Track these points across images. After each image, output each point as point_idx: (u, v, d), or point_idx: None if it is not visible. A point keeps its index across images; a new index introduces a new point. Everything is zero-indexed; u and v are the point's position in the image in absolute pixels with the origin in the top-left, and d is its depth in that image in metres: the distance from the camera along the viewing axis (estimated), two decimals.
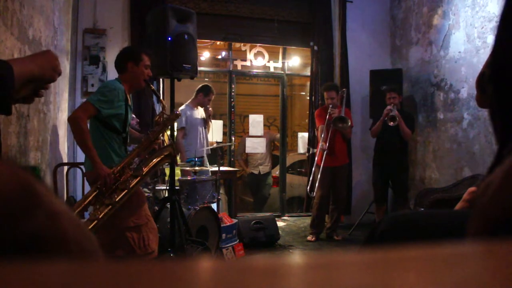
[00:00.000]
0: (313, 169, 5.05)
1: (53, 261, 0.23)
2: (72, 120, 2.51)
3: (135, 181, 2.55)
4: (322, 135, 4.85)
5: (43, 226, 0.32)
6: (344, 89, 5.29)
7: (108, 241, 2.61)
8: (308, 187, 5.18)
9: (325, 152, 4.78)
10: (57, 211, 0.34)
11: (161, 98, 2.99)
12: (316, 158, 4.94)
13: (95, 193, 2.44)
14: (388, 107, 4.82)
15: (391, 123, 4.74)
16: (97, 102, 2.54)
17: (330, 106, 4.82)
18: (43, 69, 1.14)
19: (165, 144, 2.96)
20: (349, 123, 4.73)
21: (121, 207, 2.48)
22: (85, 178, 3.07)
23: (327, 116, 4.79)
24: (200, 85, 4.97)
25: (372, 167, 5.17)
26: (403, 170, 4.99)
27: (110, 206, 2.42)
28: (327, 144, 4.78)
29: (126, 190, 2.50)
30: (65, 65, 4.61)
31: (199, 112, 4.86)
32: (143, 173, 2.59)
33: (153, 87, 2.83)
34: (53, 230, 0.33)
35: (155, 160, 2.67)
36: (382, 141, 4.97)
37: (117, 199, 2.45)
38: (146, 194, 3.86)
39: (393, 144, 4.86)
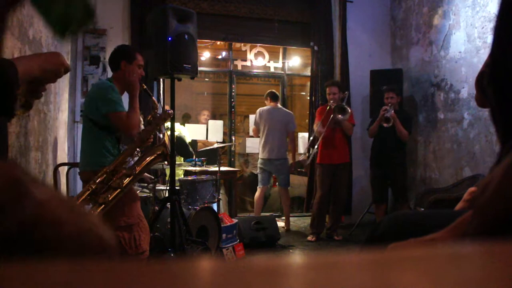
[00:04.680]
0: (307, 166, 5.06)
1: (52, 261, 0.23)
2: (132, 135, 2.61)
3: (128, 180, 2.55)
4: (319, 126, 4.87)
5: (32, 215, 0.32)
6: (346, 92, 5.29)
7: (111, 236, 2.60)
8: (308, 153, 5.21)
9: (320, 137, 4.79)
10: (45, 199, 0.34)
11: (153, 97, 2.98)
12: (316, 158, 4.95)
13: (88, 192, 2.44)
14: (384, 107, 4.82)
15: (385, 125, 4.74)
16: (118, 105, 2.57)
17: (331, 101, 4.83)
18: (45, 72, 1.14)
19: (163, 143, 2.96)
20: (349, 112, 4.72)
21: (113, 206, 2.47)
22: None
23: (326, 111, 4.80)
24: (273, 92, 5.56)
25: (370, 166, 5.18)
26: (401, 169, 4.98)
27: (104, 205, 2.42)
28: (323, 145, 4.82)
29: (119, 189, 2.49)
30: None
31: None
32: (136, 172, 2.59)
33: (145, 86, 2.82)
34: (43, 218, 0.33)
35: (148, 159, 2.67)
36: (379, 141, 4.97)
37: (110, 198, 2.45)
38: (146, 194, 3.87)
39: (390, 144, 4.86)
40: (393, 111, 4.78)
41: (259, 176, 5.42)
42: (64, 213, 0.35)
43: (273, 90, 5.66)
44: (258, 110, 5.41)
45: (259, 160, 5.41)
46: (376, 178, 5.04)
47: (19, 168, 0.35)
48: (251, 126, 6.46)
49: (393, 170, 4.92)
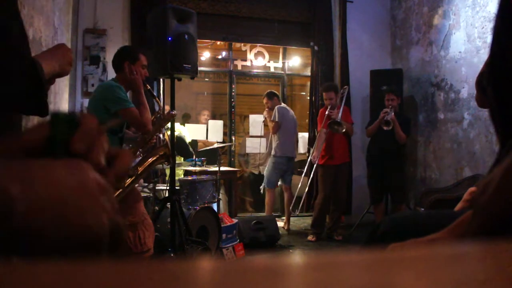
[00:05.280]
0: (313, 170, 5.06)
1: (52, 261, 0.23)
2: (148, 129, 2.63)
3: (129, 180, 2.55)
4: (316, 143, 4.94)
5: (15, 231, 0.32)
6: (346, 87, 5.30)
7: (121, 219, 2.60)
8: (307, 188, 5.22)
9: (316, 161, 4.87)
10: (32, 210, 0.33)
11: (156, 98, 2.98)
12: (315, 162, 4.96)
13: None
14: (385, 109, 4.81)
15: (385, 128, 4.73)
16: (129, 103, 2.58)
17: (329, 106, 4.84)
18: (62, 66, 1.15)
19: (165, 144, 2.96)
20: (344, 127, 4.73)
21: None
22: None
23: (324, 119, 4.82)
24: (271, 91, 5.55)
25: (366, 166, 5.17)
26: (398, 170, 4.97)
27: None
28: (324, 145, 4.84)
29: (121, 189, 2.49)
30: None
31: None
32: (138, 173, 2.59)
33: (148, 87, 2.82)
34: (28, 232, 0.33)
35: (150, 160, 2.68)
36: (377, 142, 4.96)
37: None
38: (146, 194, 3.87)
39: (388, 145, 4.84)
40: (393, 113, 4.77)
41: (271, 177, 5.27)
42: (48, 222, 0.35)
43: (274, 91, 5.65)
44: (278, 108, 5.31)
45: (275, 159, 5.27)
46: (373, 178, 5.03)
47: (6, 172, 0.34)
48: (251, 126, 6.46)
49: (391, 172, 4.91)
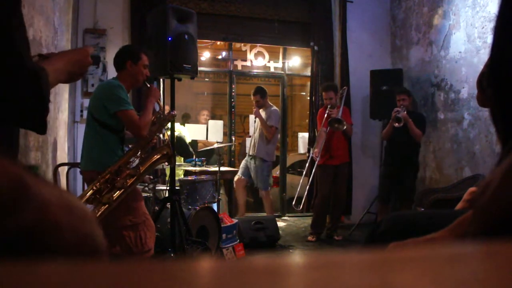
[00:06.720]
0: (314, 170, 5.06)
1: (53, 261, 0.23)
2: (142, 135, 2.61)
3: (132, 180, 2.55)
4: (316, 142, 4.93)
5: (33, 219, 0.32)
6: (345, 87, 5.30)
7: (104, 239, 2.60)
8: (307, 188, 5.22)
9: (318, 158, 4.86)
10: (48, 203, 0.34)
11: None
12: (317, 159, 4.96)
13: (91, 191, 2.44)
14: (396, 108, 4.80)
15: (396, 124, 4.72)
16: (128, 104, 2.58)
17: (329, 106, 4.84)
18: (71, 75, 1.13)
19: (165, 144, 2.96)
20: (344, 125, 4.72)
21: (118, 205, 2.48)
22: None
23: (324, 118, 4.81)
24: (263, 88, 5.40)
25: (382, 166, 5.15)
26: (412, 171, 4.93)
27: (107, 205, 2.42)
28: (323, 145, 4.83)
29: (123, 189, 2.49)
30: None
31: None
32: (140, 172, 2.60)
33: (149, 86, 2.83)
34: (44, 223, 0.33)
35: (152, 159, 2.68)
36: (393, 142, 4.94)
37: (114, 198, 2.45)
38: (147, 195, 3.86)
39: (403, 145, 4.82)
40: (405, 111, 4.76)
41: (268, 180, 5.32)
42: (65, 217, 0.35)
43: (259, 86, 5.50)
44: (276, 112, 5.27)
45: (267, 163, 5.28)
46: (386, 177, 5.01)
47: (23, 168, 0.34)
48: (251, 126, 6.44)
49: (404, 171, 4.87)
